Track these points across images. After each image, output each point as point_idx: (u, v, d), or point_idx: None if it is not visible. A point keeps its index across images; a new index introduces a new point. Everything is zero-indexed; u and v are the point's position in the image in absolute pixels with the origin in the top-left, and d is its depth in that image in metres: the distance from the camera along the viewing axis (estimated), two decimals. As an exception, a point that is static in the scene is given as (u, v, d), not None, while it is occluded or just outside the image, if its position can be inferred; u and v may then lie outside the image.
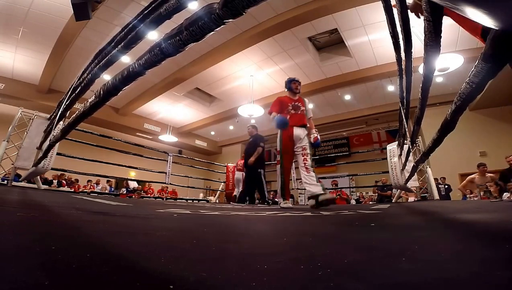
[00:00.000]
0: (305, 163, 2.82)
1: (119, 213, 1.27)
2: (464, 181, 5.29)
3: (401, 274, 0.33)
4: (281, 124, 2.72)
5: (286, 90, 3.11)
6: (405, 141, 3.37)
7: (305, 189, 2.68)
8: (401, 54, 1.49)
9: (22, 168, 3.49)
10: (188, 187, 8.23)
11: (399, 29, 1.28)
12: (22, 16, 5.53)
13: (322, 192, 2.47)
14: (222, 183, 7.27)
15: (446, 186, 6.54)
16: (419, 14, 1.21)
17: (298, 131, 2.87)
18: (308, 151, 2.87)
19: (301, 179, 2.75)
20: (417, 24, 1.39)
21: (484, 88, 0.79)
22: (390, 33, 1.36)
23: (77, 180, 8.03)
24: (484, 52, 0.60)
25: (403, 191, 5.06)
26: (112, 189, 8.79)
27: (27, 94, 8.18)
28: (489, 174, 4.87)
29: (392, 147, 4.32)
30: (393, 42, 1.43)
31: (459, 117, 1.06)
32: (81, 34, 6.00)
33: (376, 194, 8.01)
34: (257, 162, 4.49)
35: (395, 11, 1.27)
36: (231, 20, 0.58)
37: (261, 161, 4.58)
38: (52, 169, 3.60)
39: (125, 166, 4.73)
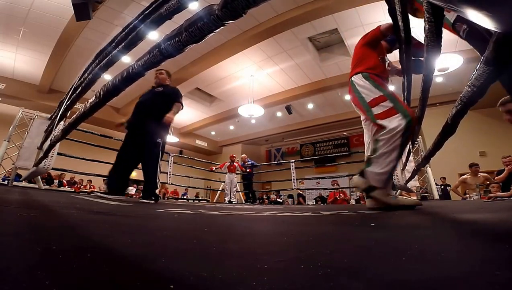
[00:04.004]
0: None
1: (119, 212, 1.27)
2: (457, 182, 5.29)
3: (401, 273, 0.33)
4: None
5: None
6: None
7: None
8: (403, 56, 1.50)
9: (23, 167, 3.50)
10: (189, 187, 8.24)
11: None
12: (22, 16, 5.54)
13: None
14: (223, 183, 7.30)
15: (443, 186, 6.54)
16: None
17: None
18: None
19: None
20: (417, 25, 1.39)
21: (486, 92, 0.78)
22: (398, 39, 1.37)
23: (81, 180, 8.03)
24: (486, 55, 0.59)
25: (404, 191, 5.06)
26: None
27: (28, 94, 8.19)
28: (482, 174, 4.86)
29: (393, 147, 4.31)
30: (399, 49, 1.44)
31: (460, 121, 1.06)
32: (81, 34, 6.01)
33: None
34: (160, 127, 3.00)
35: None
36: (230, 21, 0.58)
37: (165, 127, 3.11)
38: (53, 168, 3.61)
39: (126, 166, 4.72)
